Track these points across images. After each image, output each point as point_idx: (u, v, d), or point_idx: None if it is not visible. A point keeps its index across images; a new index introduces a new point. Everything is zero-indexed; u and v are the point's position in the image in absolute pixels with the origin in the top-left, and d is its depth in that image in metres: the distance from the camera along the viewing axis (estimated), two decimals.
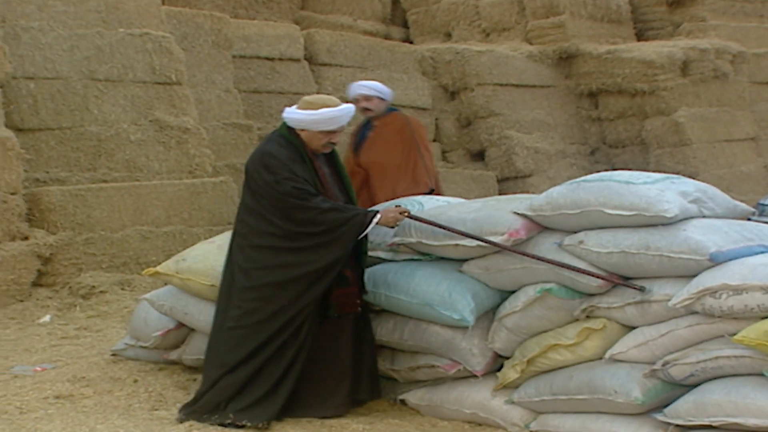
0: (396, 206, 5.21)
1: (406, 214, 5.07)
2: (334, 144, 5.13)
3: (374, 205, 5.96)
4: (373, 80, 7.93)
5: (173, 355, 5.87)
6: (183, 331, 5.82)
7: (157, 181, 8.87)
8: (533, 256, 4.78)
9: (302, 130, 5.04)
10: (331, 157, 5.20)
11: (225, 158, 10.00)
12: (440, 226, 5.02)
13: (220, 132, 10.14)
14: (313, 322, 4.97)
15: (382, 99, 7.32)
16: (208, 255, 5.63)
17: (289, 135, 5.06)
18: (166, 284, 5.94)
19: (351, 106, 5.17)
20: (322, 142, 5.06)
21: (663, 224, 4.60)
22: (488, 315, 5.10)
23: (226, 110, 10.34)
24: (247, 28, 11.13)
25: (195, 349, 5.72)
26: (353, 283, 5.06)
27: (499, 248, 4.88)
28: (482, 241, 4.87)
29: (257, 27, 11.35)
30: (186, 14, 10.27)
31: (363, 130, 7.42)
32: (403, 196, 6.26)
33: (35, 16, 8.79)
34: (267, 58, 11.20)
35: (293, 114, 5.06)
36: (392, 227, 5.13)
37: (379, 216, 4.96)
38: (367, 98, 7.26)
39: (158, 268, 5.82)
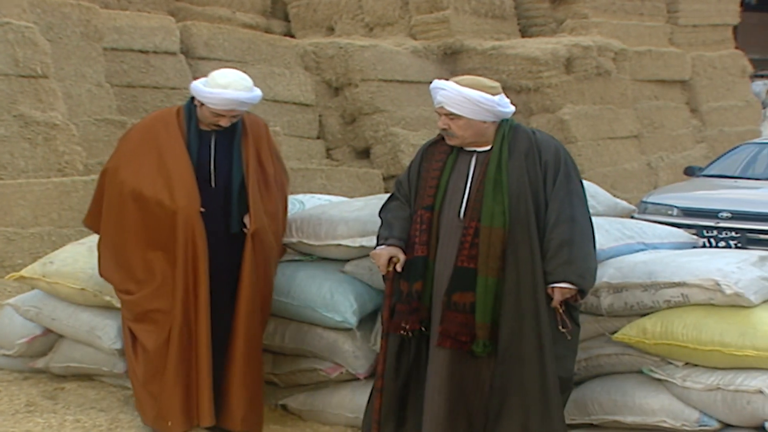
0: (395, 254, 4.25)
1: (386, 270, 4.27)
2: (450, 135, 4.20)
3: None
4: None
5: (40, 363, 5.67)
6: (50, 337, 5.62)
7: (22, 180, 8.44)
8: None
9: None
10: (482, 160, 4.22)
11: (97, 156, 9.62)
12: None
13: (92, 128, 9.80)
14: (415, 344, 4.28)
15: None
16: (78, 257, 5.46)
17: None
18: (33, 288, 5.73)
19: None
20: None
21: None
22: (372, 317, 4.98)
23: (97, 105, 9.98)
24: (118, 20, 10.79)
25: (63, 357, 5.55)
26: (399, 298, 4.26)
27: None
28: None
29: (130, 18, 11.01)
30: (51, 3, 9.84)
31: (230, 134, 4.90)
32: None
33: None
34: (141, 51, 10.86)
35: None
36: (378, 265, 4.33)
37: (376, 249, 4.30)
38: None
39: (23, 272, 5.64)
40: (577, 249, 4.06)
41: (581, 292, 4.11)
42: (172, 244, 4.66)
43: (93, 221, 5.07)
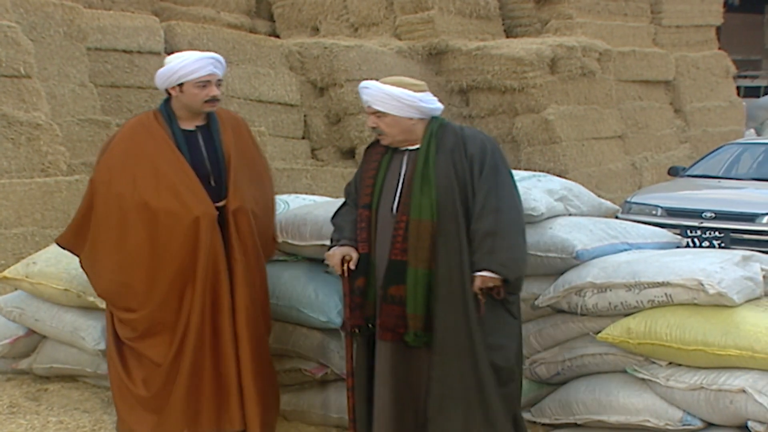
0: (347, 253, 4.31)
1: (340, 269, 4.32)
2: (380, 133, 4.27)
3: None
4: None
5: (23, 364, 5.66)
6: (34, 338, 5.61)
7: (5, 180, 8.38)
8: None
9: None
10: (413, 157, 4.27)
11: (81, 156, 9.58)
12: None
13: (76, 128, 9.73)
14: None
15: None
16: (61, 258, 5.36)
17: None
18: (16, 289, 5.73)
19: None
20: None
21: (530, 222, 4.59)
22: None
23: (81, 105, 9.92)
24: (102, 19, 10.73)
25: (46, 358, 5.53)
26: (355, 295, 4.31)
27: None
28: None
29: (113, 18, 10.95)
30: (34, 3, 9.75)
31: (209, 131, 4.76)
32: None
33: None
34: (125, 51, 10.83)
35: None
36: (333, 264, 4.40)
37: (331, 251, 4.35)
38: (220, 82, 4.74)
39: (6, 273, 5.63)
40: (501, 239, 4.08)
41: (507, 283, 4.12)
42: (187, 252, 4.48)
43: (75, 240, 4.74)
